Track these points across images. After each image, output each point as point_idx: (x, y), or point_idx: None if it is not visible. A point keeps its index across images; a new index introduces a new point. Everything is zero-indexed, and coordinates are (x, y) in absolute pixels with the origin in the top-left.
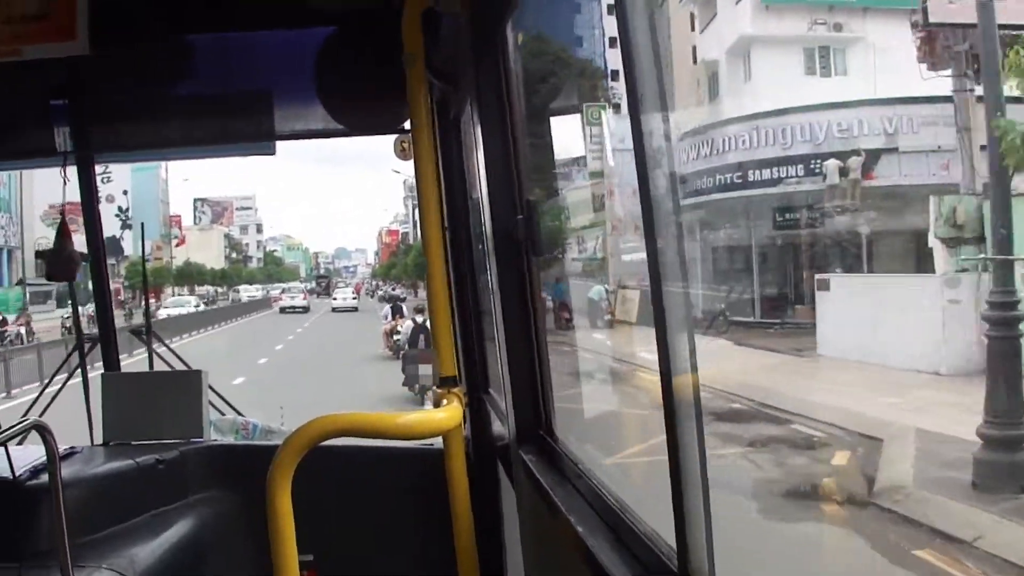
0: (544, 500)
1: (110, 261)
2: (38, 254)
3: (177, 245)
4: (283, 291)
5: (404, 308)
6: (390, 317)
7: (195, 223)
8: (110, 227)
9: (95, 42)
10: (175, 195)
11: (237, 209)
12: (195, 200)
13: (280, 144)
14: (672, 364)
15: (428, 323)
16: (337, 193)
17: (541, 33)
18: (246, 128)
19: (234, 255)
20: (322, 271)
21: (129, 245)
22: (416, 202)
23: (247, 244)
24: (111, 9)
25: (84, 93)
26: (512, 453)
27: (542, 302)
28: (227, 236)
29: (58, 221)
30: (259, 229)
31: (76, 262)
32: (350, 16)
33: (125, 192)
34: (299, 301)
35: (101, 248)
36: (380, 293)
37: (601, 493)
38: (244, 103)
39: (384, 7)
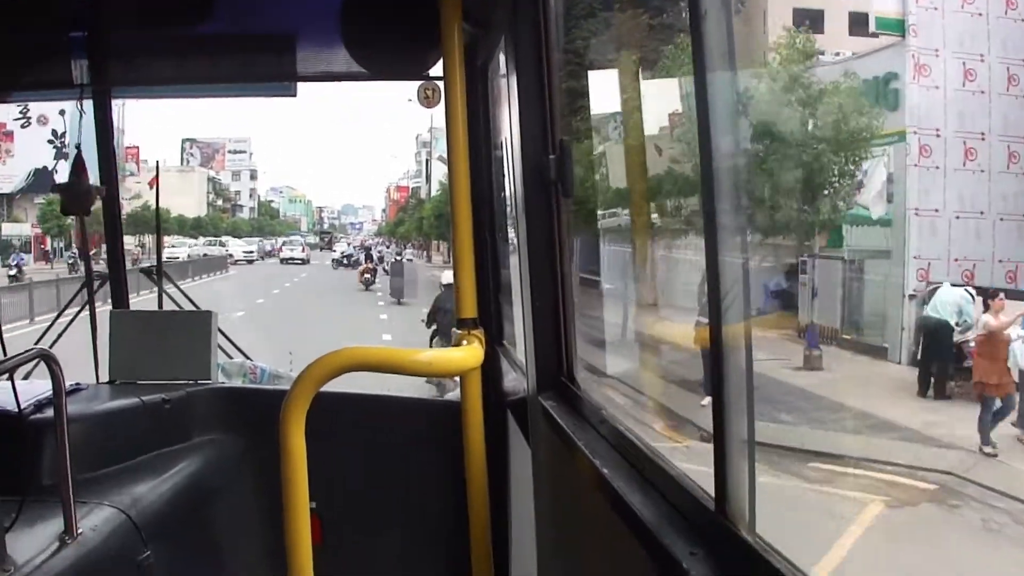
0: (565, 444)
1: (39, 200)
2: (53, 188)
3: (150, 186)
4: (284, 243)
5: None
6: (363, 262)
7: (184, 165)
8: (41, 155)
9: None
10: (160, 134)
11: (230, 152)
12: (183, 140)
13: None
14: (722, 307)
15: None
16: (348, 147)
17: None
18: (267, 68)
19: (220, 202)
20: (325, 226)
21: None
22: (428, 156)
23: (238, 192)
24: None
25: (104, 26)
26: (530, 400)
27: (570, 245)
28: (212, 180)
29: None
30: (253, 176)
31: (92, 196)
32: None
33: (62, 112)
34: (298, 253)
35: (115, 184)
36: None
37: (628, 436)
38: (266, 43)
39: None
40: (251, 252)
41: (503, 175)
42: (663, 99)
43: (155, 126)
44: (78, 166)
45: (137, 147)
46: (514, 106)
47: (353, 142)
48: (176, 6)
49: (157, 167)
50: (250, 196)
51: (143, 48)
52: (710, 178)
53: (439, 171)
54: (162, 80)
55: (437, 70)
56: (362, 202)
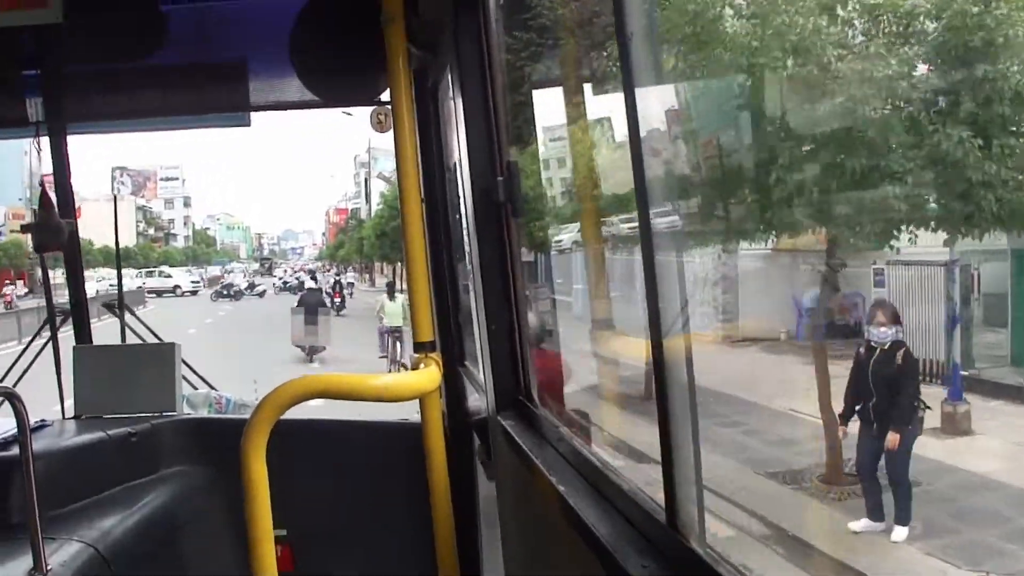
0: (524, 463)
1: None
2: (23, 228)
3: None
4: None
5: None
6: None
7: (116, 193)
8: None
9: (68, 11)
10: (89, 163)
11: (162, 180)
12: (113, 168)
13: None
14: (663, 321)
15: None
16: (287, 172)
17: None
18: (220, 99)
19: (151, 231)
20: (265, 252)
21: None
22: (367, 176)
23: (171, 220)
24: None
25: (56, 63)
26: (490, 420)
27: (521, 265)
28: (142, 208)
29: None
30: (187, 203)
31: (63, 231)
32: None
33: None
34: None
35: (74, 220)
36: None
37: (583, 454)
38: (218, 74)
39: None
40: (197, 283)
41: (459, 191)
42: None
43: (85, 154)
44: (45, 202)
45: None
46: (461, 129)
47: (292, 167)
48: (126, 40)
49: (115, 201)
50: (184, 224)
51: (97, 84)
52: (643, 185)
53: (380, 189)
54: (117, 115)
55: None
56: (302, 227)
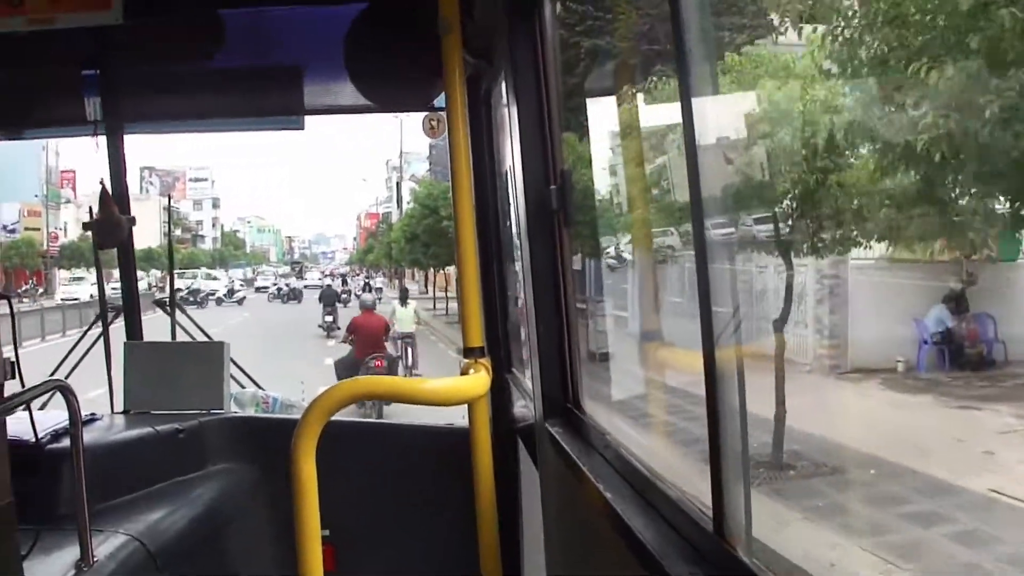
0: (570, 469)
1: None
2: (85, 225)
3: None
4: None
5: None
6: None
7: (142, 193)
8: None
9: (128, 13)
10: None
11: (191, 180)
12: (141, 168)
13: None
14: (715, 328)
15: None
16: (320, 175)
17: None
18: (276, 103)
19: (178, 233)
20: (296, 256)
21: None
22: (398, 179)
23: (199, 221)
24: None
25: (115, 64)
26: (537, 427)
27: (573, 274)
28: (167, 209)
29: None
30: (215, 204)
31: (123, 228)
32: None
33: None
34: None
35: (130, 218)
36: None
37: (630, 462)
38: (274, 78)
39: None
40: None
41: (508, 203)
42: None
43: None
44: (105, 200)
45: (74, 171)
46: (515, 137)
47: (325, 170)
48: (185, 43)
49: (169, 201)
50: (212, 225)
51: (154, 85)
52: (697, 195)
53: (413, 188)
54: (173, 115)
55: (441, 100)
56: (334, 231)
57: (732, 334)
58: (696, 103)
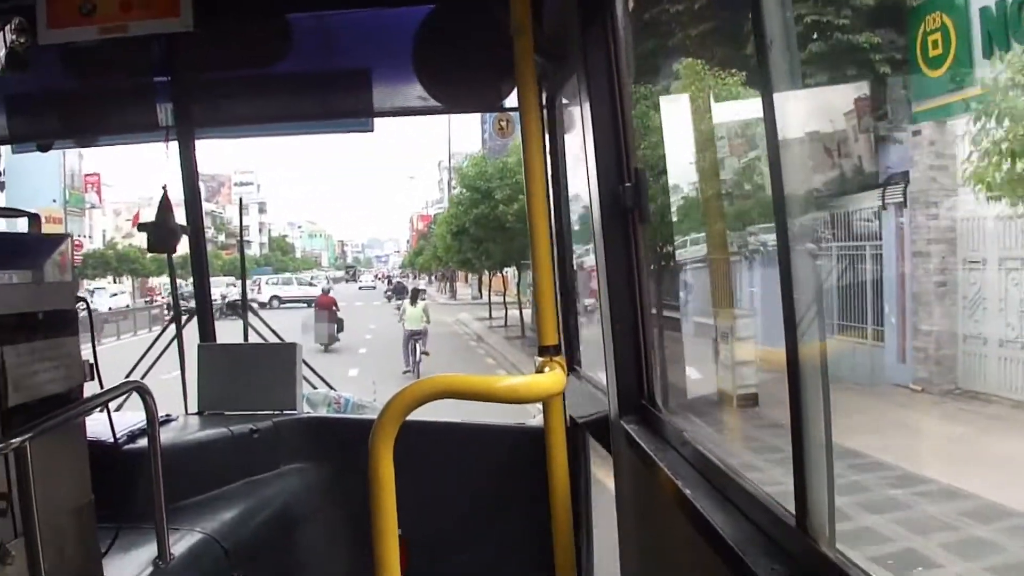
0: (647, 466)
1: None
2: (140, 226)
3: (133, 224)
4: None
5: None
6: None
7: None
8: None
9: (198, 20)
10: (150, 167)
11: (236, 185)
12: None
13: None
14: (799, 326)
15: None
16: (372, 180)
17: None
18: (345, 105)
19: (221, 238)
20: (348, 260)
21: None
22: (450, 179)
23: (246, 226)
24: None
25: (186, 70)
26: (612, 423)
27: (648, 271)
28: (211, 214)
29: None
30: (262, 209)
31: (177, 234)
32: None
33: None
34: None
35: (200, 223)
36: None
37: (710, 458)
38: (342, 80)
39: None
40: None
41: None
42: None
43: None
44: (164, 205)
45: (98, 175)
46: (588, 136)
47: (380, 174)
48: (254, 48)
49: (241, 202)
50: (259, 231)
51: (224, 90)
52: (780, 192)
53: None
54: (243, 120)
55: (510, 101)
56: (388, 235)
57: (816, 326)
58: (778, 98)
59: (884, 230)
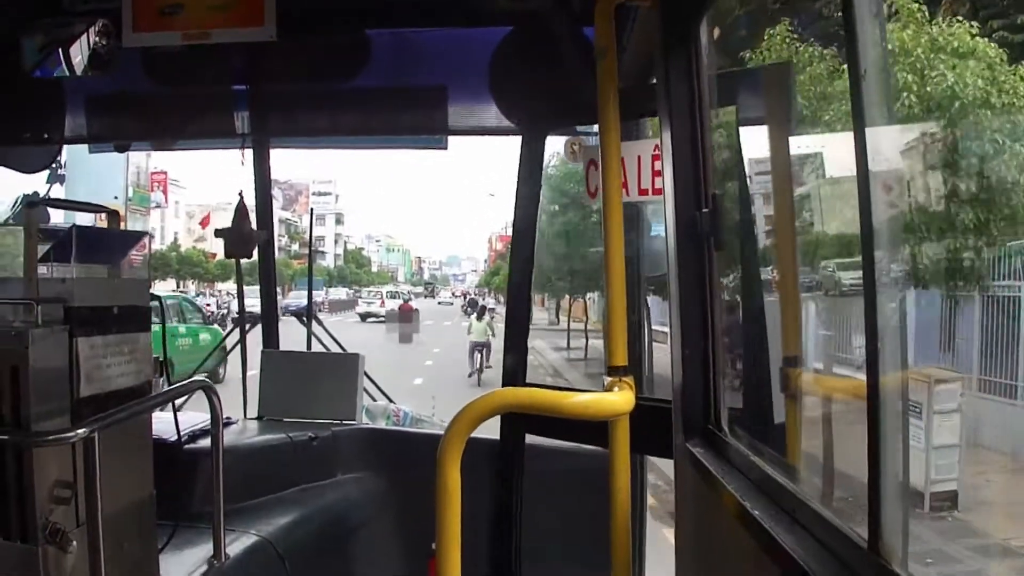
0: (712, 488)
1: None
2: (217, 232)
3: (203, 227)
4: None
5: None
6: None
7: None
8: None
9: (281, 30)
10: (225, 171)
11: (314, 195)
12: None
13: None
14: (880, 348)
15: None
16: (453, 197)
17: None
18: (419, 122)
19: (295, 247)
20: (426, 276)
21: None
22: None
23: (320, 237)
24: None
25: (264, 80)
26: (676, 446)
27: (721, 298)
28: (285, 223)
29: None
30: (339, 220)
31: (253, 240)
32: (527, 17)
33: None
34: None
35: (271, 229)
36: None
37: (779, 481)
38: (418, 97)
39: (559, 8)
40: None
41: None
42: None
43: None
44: (241, 211)
45: (165, 173)
46: (667, 160)
47: (461, 191)
48: (332, 61)
49: (312, 213)
50: (335, 242)
51: (300, 101)
52: (869, 227)
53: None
54: (317, 131)
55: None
56: (467, 253)
57: (896, 350)
58: (870, 132)
59: None
